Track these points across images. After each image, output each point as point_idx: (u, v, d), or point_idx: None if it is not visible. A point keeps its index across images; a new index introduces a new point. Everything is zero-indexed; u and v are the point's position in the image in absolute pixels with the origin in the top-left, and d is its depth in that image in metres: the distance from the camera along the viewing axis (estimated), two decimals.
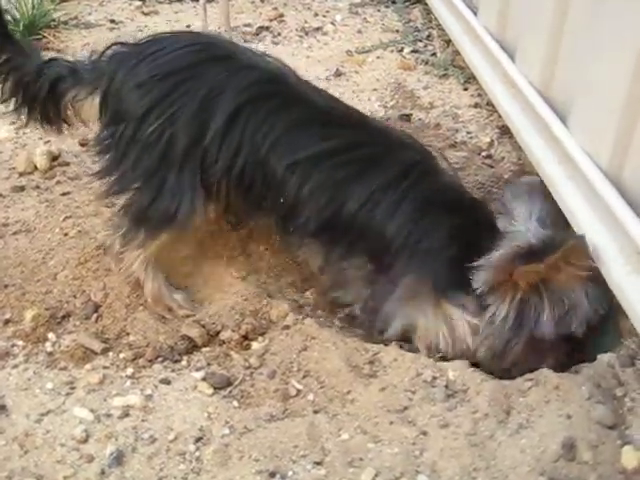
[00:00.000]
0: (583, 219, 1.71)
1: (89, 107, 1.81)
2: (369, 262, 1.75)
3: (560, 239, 1.63)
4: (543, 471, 1.39)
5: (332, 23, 3.41)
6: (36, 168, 2.35)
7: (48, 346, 1.71)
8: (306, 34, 3.32)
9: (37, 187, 2.26)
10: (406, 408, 1.54)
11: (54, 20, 3.39)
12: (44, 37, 3.26)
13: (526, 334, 1.66)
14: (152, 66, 1.69)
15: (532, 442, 1.44)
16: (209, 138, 1.66)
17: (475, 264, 1.64)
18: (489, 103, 2.62)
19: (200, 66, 1.70)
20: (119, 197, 1.79)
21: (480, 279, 1.64)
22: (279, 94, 1.71)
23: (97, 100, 1.76)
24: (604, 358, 1.62)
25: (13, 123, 2.52)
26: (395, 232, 1.68)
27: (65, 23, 3.43)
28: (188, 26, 3.40)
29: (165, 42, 1.76)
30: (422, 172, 1.73)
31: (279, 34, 3.32)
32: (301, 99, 1.73)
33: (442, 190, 1.75)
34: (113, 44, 1.81)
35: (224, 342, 1.72)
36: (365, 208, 1.68)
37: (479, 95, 2.72)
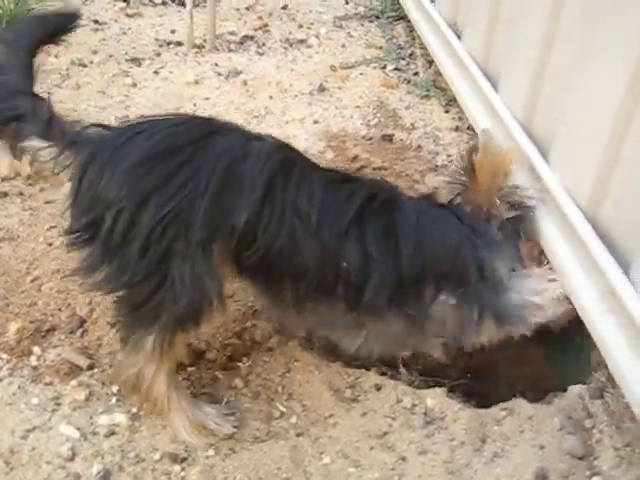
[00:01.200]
0: (561, 255, 1.77)
1: (55, 177, 1.52)
2: None
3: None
4: None
5: (316, 36, 3.44)
6: (19, 174, 2.34)
7: (33, 360, 1.72)
8: (290, 46, 3.35)
9: (20, 194, 2.25)
10: (386, 434, 1.60)
11: None
12: None
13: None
14: (146, 145, 1.44)
15: (506, 471, 1.51)
16: (243, 216, 1.43)
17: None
18: (470, 127, 2.69)
19: (204, 140, 1.47)
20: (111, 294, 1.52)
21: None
22: (298, 159, 1.59)
23: (67, 177, 1.49)
24: (575, 389, 1.69)
25: None
26: None
27: None
28: (172, 31, 3.41)
29: (155, 121, 1.52)
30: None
31: (264, 44, 3.35)
32: (313, 163, 1.64)
33: None
34: (93, 124, 1.54)
35: (209, 362, 1.75)
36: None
37: (460, 119, 2.78)
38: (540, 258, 1.90)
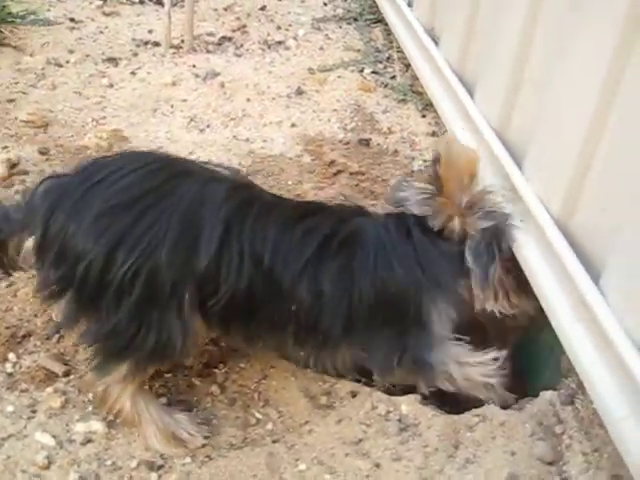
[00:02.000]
0: (533, 264, 1.80)
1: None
2: None
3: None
4: None
5: (294, 38, 3.45)
6: None
7: (8, 367, 1.71)
8: (268, 47, 3.36)
9: None
10: (361, 440, 1.61)
11: (11, 14, 3.33)
12: (1, 32, 3.20)
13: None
14: (107, 196, 1.44)
15: (478, 477, 1.54)
16: (202, 263, 1.45)
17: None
18: (445, 133, 2.72)
19: (164, 187, 1.48)
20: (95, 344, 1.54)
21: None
22: (255, 200, 1.59)
23: (30, 242, 1.51)
24: (546, 395, 1.72)
25: None
26: None
27: (23, 18, 3.38)
28: (150, 31, 3.40)
29: (112, 165, 1.51)
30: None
31: (242, 46, 3.35)
32: (272, 201, 1.65)
33: None
34: (45, 179, 1.56)
35: (186, 368, 1.76)
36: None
37: (437, 124, 2.81)
38: (517, 276, 1.89)
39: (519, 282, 1.83)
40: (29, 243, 1.52)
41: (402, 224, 1.71)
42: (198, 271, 1.45)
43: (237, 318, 1.57)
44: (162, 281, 1.43)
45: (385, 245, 1.66)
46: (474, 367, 1.73)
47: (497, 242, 1.78)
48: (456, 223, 1.72)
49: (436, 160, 1.74)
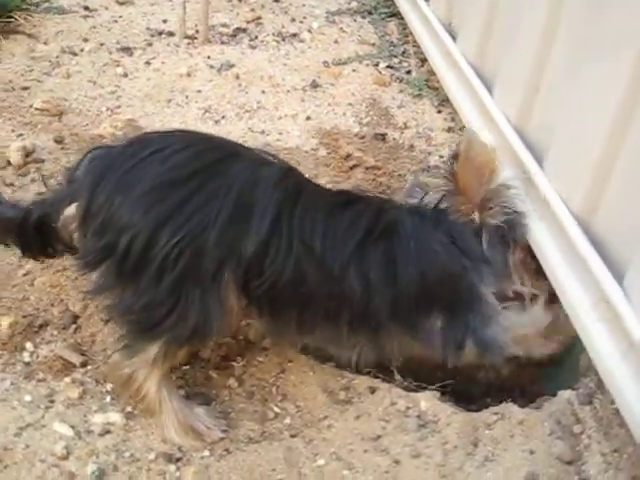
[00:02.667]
0: (553, 262, 1.79)
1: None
2: None
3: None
4: None
5: (309, 30, 3.43)
6: (9, 163, 2.31)
7: (26, 356, 1.71)
8: (283, 40, 3.33)
9: (11, 184, 2.23)
10: (380, 436, 1.61)
11: (25, 1, 3.31)
12: (15, 20, 3.18)
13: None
14: (158, 172, 1.43)
15: (497, 475, 1.53)
16: (251, 247, 1.45)
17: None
18: (462, 129, 2.70)
19: (216, 167, 1.48)
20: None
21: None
22: (304, 186, 1.60)
23: (71, 209, 1.52)
24: (564, 395, 1.71)
25: None
26: None
27: (37, 5, 3.37)
28: (164, 21, 3.38)
29: (165, 141, 1.51)
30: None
31: (256, 37, 3.32)
32: (317, 189, 1.65)
33: None
34: (91, 149, 1.56)
35: (203, 361, 1.75)
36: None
37: (452, 119, 2.79)
38: (529, 264, 1.91)
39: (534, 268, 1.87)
40: (70, 210, 1.51)
41: (430, 213, 1.72)
42: (246, 254, 1.45)
43: (290, 307, 1.57)
44: (207, 261, 1.42)
45: (421, 232, 1.66)
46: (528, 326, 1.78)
47: (512, 234, 1.81)
48: (475, 217, 1.73)
49: (454, 157, 1.74)
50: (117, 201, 1.41)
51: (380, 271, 1.57)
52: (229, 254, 1.45)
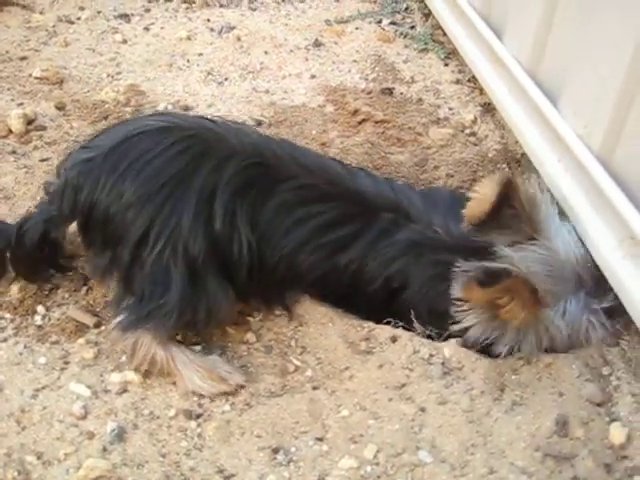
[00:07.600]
0: (574, 203, 1.74)
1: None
2: None
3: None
4: (538, 447, 1.44)
5: None
6: (11, 131, 2.26)
7: (38, 319, 1.68)
8: (283, 0, 3.25)
9: (13, 152, 2.18)
10: (404, 385, 1.57)
11: None
12: None
13: None
14: (137, 183, 1.57)
15: (527, 419, 1.49)
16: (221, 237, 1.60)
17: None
18: (470, 80, 2.64)
19: (181, 174, 1.60)
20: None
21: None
22: (263, 177, 1.65)
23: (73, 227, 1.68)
24: None
25: None
26: None
27: None
28: None
29: (138, 146, 1.62)
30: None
31: None
32: (287, 174, 1.66)
33: None
34: (67, 157, 1.72)
35: None
36: None
37: (460, 71, 2.72)
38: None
39: None
40: (72, 228, 1.69)
41: None
42: (215, 242, 1.59)
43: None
44: (191, 257, 1.57)
45: None
46: None
47: None
48: None
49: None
50: (110, 216, 1.59)
51: None
52: (204, 247, 1.58)
